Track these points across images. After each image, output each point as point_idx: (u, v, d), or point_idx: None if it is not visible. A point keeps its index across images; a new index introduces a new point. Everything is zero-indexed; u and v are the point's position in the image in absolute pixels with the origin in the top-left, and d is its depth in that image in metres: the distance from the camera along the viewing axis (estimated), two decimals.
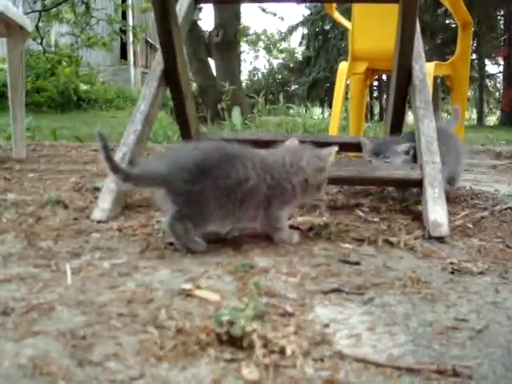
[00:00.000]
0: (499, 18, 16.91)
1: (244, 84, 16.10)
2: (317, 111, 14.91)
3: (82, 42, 8.58)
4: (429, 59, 2.34)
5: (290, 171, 1.23)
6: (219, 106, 6.26)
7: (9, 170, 2.38)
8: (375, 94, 20.36)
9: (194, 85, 7.69)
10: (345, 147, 1.83)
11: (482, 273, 1.07)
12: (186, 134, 2.03)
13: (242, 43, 12.81)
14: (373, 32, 2.91)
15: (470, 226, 1.48)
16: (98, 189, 1.75)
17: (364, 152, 1.85)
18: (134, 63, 14.44)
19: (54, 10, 7.86)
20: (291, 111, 9.89)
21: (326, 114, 12.97)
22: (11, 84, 2.84)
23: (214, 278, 0.99)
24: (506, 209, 1.72)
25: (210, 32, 8.58)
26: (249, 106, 8.13)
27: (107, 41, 8.80)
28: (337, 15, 3.49)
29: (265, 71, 24.60)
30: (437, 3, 10.87)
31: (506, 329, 0.80)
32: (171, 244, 1.20)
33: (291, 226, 1.32)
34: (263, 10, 15.82)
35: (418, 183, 1.56)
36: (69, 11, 8.06)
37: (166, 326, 0.76)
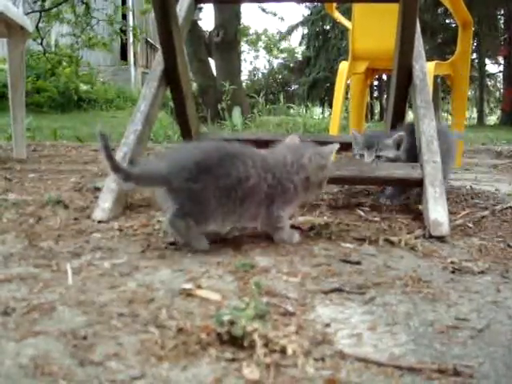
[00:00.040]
0: (499, 17, 16.91)
1: (244, 84, 16.09)
2: (317, 111, 14.91)
3: (83, 42, 8.59)
4: (429, 59, 2.34)
5: (291, 170, 1.23)
6: (219, 106, 6.26)
7: (9, 170, 2.38)
8: (375, 94, 20.37)
9: (195, 85, 7.69)
10: (345, 147, 1.82)
11: (482, 272, 1.07)
12: (186, 133, 2.03)
13: (242, 43, 12.82)
14: (373, 32, 2.90)
15: (471, 225, 1.48)
16: (98, 189, 1.75)
17: (355, 145, 1.81)
18: (135, 63, 14.44)
19: (55, 10, 7.86)
20: (291, 111, 9.90)
21: (327, 114, 12.98)
22: (12, 84, 2.84)
23: (214, 277, 0.99)
24: (506, 208, 1.72)
25: (210, 32, 8.58)
26: (249, 105, 8.14)
27: (108, 41, 8.80)
28: (337, 15, 3.49)
29: (265, 71, 24.62)
30: (437, 3, 10.86)
31: (507, 328, 0.80)
32: (172, 244, 1.20)
33: (292, 226, 1.31)
34: (263, 9, 15.83)
35: (419, 182, 1.56)
36: (69, 11, 8.06)
37: (167, 325, 0.76)
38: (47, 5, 7.79)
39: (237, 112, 6.04)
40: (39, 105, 9.52)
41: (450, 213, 1.47)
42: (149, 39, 15.07)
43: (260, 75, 24.74)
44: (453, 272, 1.07)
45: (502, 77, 18.31)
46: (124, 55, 14.06)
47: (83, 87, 10.80)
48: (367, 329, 0.78)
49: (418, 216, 1.55)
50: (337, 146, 1.29)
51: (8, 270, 1.00)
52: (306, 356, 0.68)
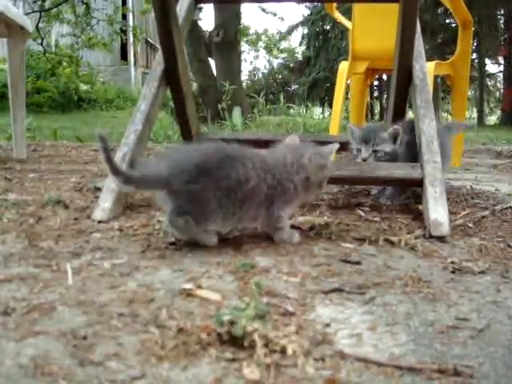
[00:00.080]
0: (499, 17, 16.90)
1: (244, 84, 16.09)
2: (317, 111, 14.90)
3: (83, 42, 8.59)
4: (429, 58, 2.34)
5: (291, 170, 1.23)
6: (219, 106, 6.26)
7: (9, 170, 2.38)
8: (376, 94, 20.35)
9: (195, 85, 7.69)
10: (345, 147, 1.82)
11: (482, 272, 1.07)
12: (186, 133, 2.03)
13: (242, 43, 12.82)
14: (373, 32, 2.90)
15: (471, 225, 1.48)
16: (98, 189, 1.75)
17: (352, 139, 1.81)
18: (135, 63, 14.44)
19: (55, 10, 7.86)
20: (291, 111, 9.91)
21: (327, 114, 12.97)
22: (12, 84, 2.84)
23: (214, 277, 0.99)
24: (506, 208, 1.72)
25: (210, 32, 8.58)
26: (249, 105, 8.14)
27: (108, 41, 8.80)
28: (337, 15, 3.49)
29: (265, 71, 24.61)
30: (437, 2, 10.86)
31: (507, 328, 0.80)
32: (172, 244, 1.20)
33: (292, 226, 1.31)
34: (263, 10, 15.83)
35: (419, 182, 1.56)
36: (69, 11, 8.07)
37: (167, 325, 0.76)
38: (47, 5, 7.79)
39: (237, 112, 6.04)
40: (39, 105, 9.52)
41: (450, 213, 1.47)
42: (149, 39, 15.08)
43: (260, 75, 24.74)
44: (453, 272, 1.07)
45: (502, 77, 18.30)
46: (124, 55, 14.07)
47: (83, 87, 10.80)
48: (367, 329, 0.78)
49: (418, 216, 1.55)
50: (337, 146, 1.29)
51: (8, 269, 1.00)
52: (306, 356, 0.68)
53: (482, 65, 17.50)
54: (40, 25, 7.76)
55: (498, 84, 20.63)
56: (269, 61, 23.61)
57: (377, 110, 20.09)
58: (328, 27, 19.49)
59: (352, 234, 1.34)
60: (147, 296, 0.88)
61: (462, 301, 0.91)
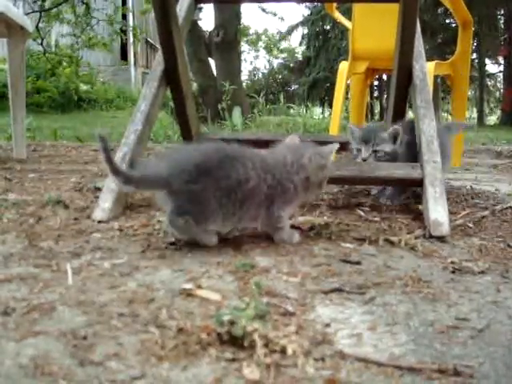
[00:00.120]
0: (499, 17, 16.90)
1: (244, 84, 16.09)
2: (317, 111, 14.90)
3: (83, 42, 8.59)
4: (429, 58, 2.34)
5: (291, 170, 1.23)
6: (219, 106, 6.26)
7: (9, 170, 2.38)
8: (376, 94, 20.35)
9: (195, 85, 7.69)
10: (345, 147, 1.82)
11: (482, 272, 1.07)
12: (186, 133, 2.03)
13: (242, 43, 12.82)
14: (373, 32, 2.90)
15: (471, 225, 1.48)
16: (98, 189, 1.75)
17: (352, 139, 1.81)
18: (135, 63, 14.44)
19: (55, 10, 7.86)
20: (291, 111, 9.91)
21: (327, 114, 12.97)
22: (12, 84, 2.84)
23: (214, 277, 0.99)
24: (506, 208, 1.72)
25: (210, 32, 8.58)
26: (249, 105, 8.14)
27: (108, 41, 8.80)
28: (337, 15, 3.49)
29: (265, 71, 24.60)
30: (437, 2, 10.86)
31: (508, 328, 0.80)
32: (172, 244, 1.20)
33: (292, 226, 1.31)
34: (263, 10, 15.83)
35: (419, 182, 1.56)
36: (69, 11, 8.07)
37: (167, 325, 0.76)
38: (47, 5, 7.79)
39: (237, 112, 6.04)
40: (39, 105, 9.52)
41: (450, 213, 1.47)
42: (149, 39, 15.08)
43: (260, 75, 24.74)
44: (453, 272, 1.07)
45: (502, 77, 18.29)
46: (124, 55, 14.07)
47: (83, 87, 10.80)
48: (367, 329, 0.78)
49: (418, 216, 1.55)
50: (336, 146, 1.29)
51: (8, 269, 1.00)
52: (306, 356, 0.68)
53: (482, 65, 17.50)
54: (40, 25, 7.76)
55: (498, 84, 20.62)
56: (269, 61, 23.62)
57: (377, 109, 20.08)
58: (328, 27, 19.49)
59: (352, 234, 1.34)
60: (147, 296, 0.88)
61: (462, 301, 0.91)
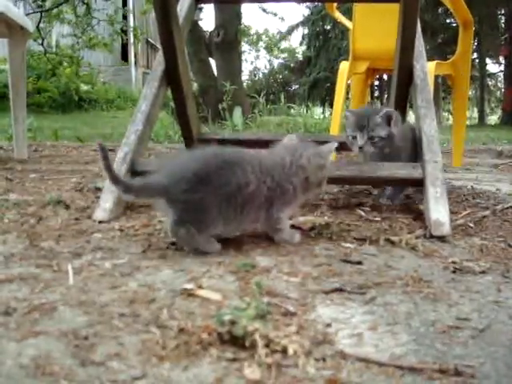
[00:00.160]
0: (500, 16, 16.89)
1: (245, 84, 16.10)
2: (318, 111, 14.89)
3: (84, 42, 8.60)
4: (430, 58, 2.34)
5: (289, 172, 1.22)
6: (220, 106, 6.27)
7: (10, 171, 2.38)
8: (376, 94, 20.34)
9: (195, 85, 7.70)
10: (345, 146, 1.82)
11: (483, 272, 1.07)
12: (187, 134, 2.03)
13: (242, 43, 12.82)
14: (374, 31, 2.90)
15: (472, 225, 1.48)
16: (99, 189, 1.75)
17: (347, 126, 1.75)
18: (135, 63, 14.45)
19: (55, 10, 7.87)
20: (292, 111, 9.90)
21: (327, 114, 12.97)
22: (12, 85, 2.84)
23: (215, 277, 0.99)
24: (507, 208, 1.72)
25: (210, 32, 8.59)
26: (250, 105, 8.14)
27: (108, 42, 8.81)
28: (337, 15, 3.49)
29: (266, 71, 24.59)
30: (437, 2, 10.85)
31: (509, 328, 0.80)
32: (173, 244, 1.20)
33: (292, 226, 1.31)
34: (264, 10, 15.82)
35: (420, 182, 1.56)
36: (70, 11, 8.08)
37: (168, 325, 0.76)
38: (48, 5, 7.80)
39: (237, 112, 6.04)
40: (40, 105, 9.53)
41: (451, 212, 1.47)
42: (149, 39, 15.09)
43: (261, 75, 24.73)
44: (454, 272, 1.07)
45: (502, 76, 18.28)
46: (125, 55, 14.08)
47: (84, 87, 10.82)
48: (368, 329, 0.78)
49: (419, 216, 1.54)
50: (335, 145, 1.29)
51: (9, 270, 1.00)
52: (306, 356, 0.68)
53: (483, 64, 17.49)
54: (41, 25, 7.77)
55: (499, 84, 20.61)
56: (269, 61, 23.62)
57: None
58: (328, 27, 19.48)
59: (353, 234, 1.34)
60: (148, 296, 0.88)
61: (462, 301, 0.91)
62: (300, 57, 22.03)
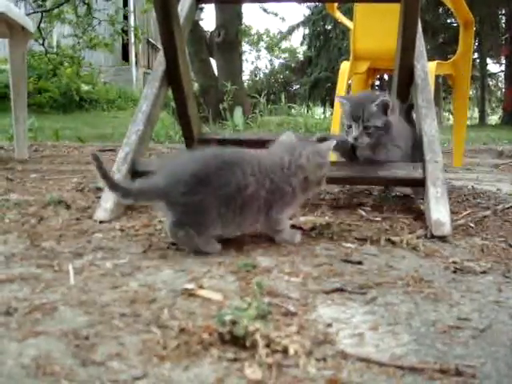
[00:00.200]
0: (501, 16, 16.87)
1: (246, 84, 16.08)
2: (318, 111, 14.88)
3: (85, 42, 8.61)
4: (430, 58, 2.34)
5: (289, 172, 1.21)
6: (221, 106, 6.27)
7: (11, 171, 2.38)
8: None
9: (196, 85, 7.70)
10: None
11: (484, 272, 1.07)
12: (187, 134, 2.03)
13: (243, 43, 12.82)
14: (374, 31, 2.90)
15: (473, 225, 1.48)
16: (100, 189, 1.75)
17: (343, 114, 1.68)
18: (136, 63, 14.45)
19: (56, 10, 7.88)
20: (293, 111, 9.89)
21: (328, 114, 12.96)
22: (13, 85, 2.85)
23: (216, 277, 0.99)
24: (508, 208, 1.71)
25: (211, 32, 8.59)
26: (250, 105, 8.14)
27: (109, 42, 8.82)
28: (338, 15, 3.48)
29: (266, 71, 24.58)
30: (438, 2, 10.85)
31: (509, 328, 0.80)
32: (174, 244, 1.20)
33: (293, 226, 1.31)
34: (264, 10, 15.80)
35: (420, 182, 1.55)
36: (71, 12, 8.08)
37: (169, 325, 0.76)
38: (48, 5, 7.81)
39: (238, 112, 6.04)
40: (41, 105, 9.53)
41: (452, 212, 1.46)
42: (150, 39, 15.09)
43: (261, 75, 24.71)
44: (454, 272, 1.07)
45: (503, 76, 18.27)
46: (125, 55, 14.08)
47: (85, 87, 10.81)
48: (369, 329, 0.78)
49: (420, 216, 1.54)
50: (334, 143, 1.29)
51: (10, 270, 1.00)
52: (307, 356, 0.68)
53: (484, 64, 17.46)
54: (41, 25, 7.78)
55: (500, 83, 20.58)
56: (270, 61, 23.60)
57: None
58: (329, 27, 19.46)
59: (353, 234, 1.34)
60: (149, 296, 0.88)
61: (463, 301, 0.91)
62: (301, 57, 22.01)
